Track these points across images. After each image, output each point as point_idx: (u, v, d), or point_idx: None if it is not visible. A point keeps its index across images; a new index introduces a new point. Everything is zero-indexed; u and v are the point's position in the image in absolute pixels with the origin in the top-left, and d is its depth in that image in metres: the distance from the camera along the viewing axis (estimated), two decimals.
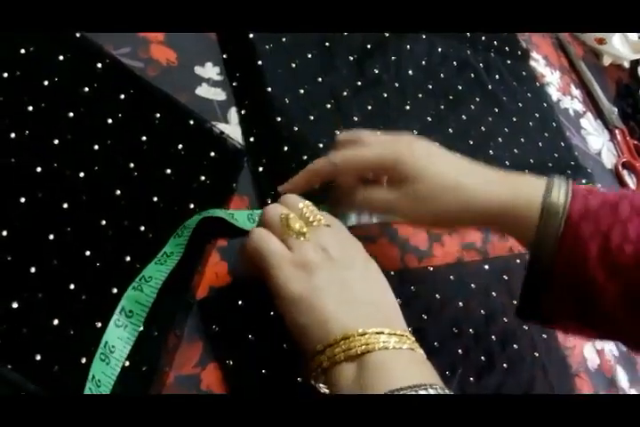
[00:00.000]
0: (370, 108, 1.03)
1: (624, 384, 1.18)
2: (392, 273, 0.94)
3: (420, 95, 1.12)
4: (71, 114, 0.77)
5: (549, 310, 0.81)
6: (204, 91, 0.90)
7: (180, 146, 0.83)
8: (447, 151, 0.86)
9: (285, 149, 0.91)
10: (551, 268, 0.77)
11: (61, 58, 0.79)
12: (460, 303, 0.99)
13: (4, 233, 0.67)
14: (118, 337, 0.69)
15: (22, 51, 0.77)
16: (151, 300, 0.71)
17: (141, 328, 0.71)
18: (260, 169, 0.89)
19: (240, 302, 0.79)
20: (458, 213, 0.83)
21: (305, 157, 0.92)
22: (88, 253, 0.72)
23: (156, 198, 0.79)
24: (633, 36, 1.68)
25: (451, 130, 1.12)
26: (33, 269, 0.68)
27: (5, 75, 0.74)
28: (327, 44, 1.03)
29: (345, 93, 1.02)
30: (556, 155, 1.29)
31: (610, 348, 1.20)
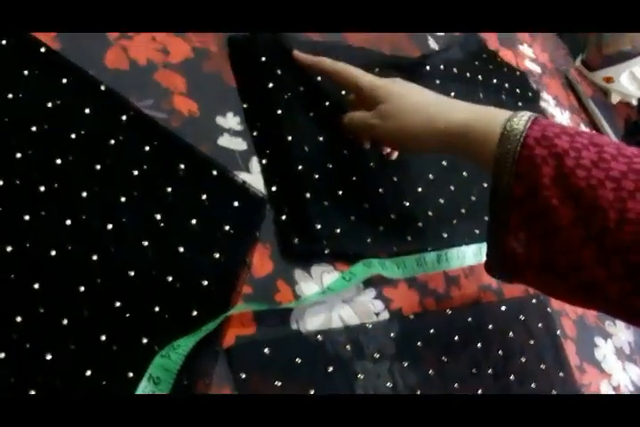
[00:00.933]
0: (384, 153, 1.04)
1: None
2: (411, 316, 0.95)
3: None
4: (98, 166, 0.78)
5: (513, 255, 0.82)
6: (225, 141, 0.91)
7: (204, 196, 0.83)
8: (424, 88, 0.96)
9: (308, 195, 0.91)
10: (510, 193, 0.79)
11: (87, 111, 0.80)
12: (479, 345, 1.00)
13: (36, 286, 0.68)
14: None
15: (49, 104, 0.77)
16: (178, 367, 0.71)
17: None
18: (283, 217, 0.89)
19: (266, 350, 0.80)
20: (421, 130, 0.89)
21: (326, 204, 0.93)
22: (118, 303, 0.72)
23: (182, 248, 0.79)
24: None
25: (465, 173, 1.13)
26: (65, 322, 0.69)
27: (34, 128, 0.75)
28: (343, 92, 1.04)
29: None
30: None
31: (625, 383, 1.20)
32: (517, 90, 1.37)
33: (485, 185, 1.12)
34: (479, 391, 0.96)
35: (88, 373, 0.68)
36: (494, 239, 0.84)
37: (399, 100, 0.91)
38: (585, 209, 0.75)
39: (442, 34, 1.34)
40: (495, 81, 1.33)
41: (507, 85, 1.35)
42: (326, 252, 0.90)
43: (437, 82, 1.20)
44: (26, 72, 0.78)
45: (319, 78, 1.02)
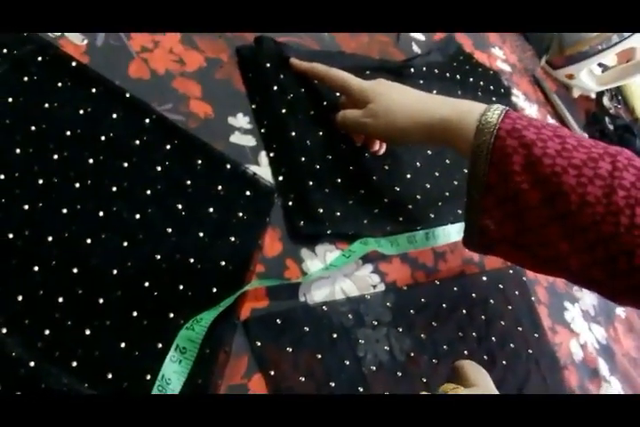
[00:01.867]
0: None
1: (605, 373, 1.17)
2: (404, 288, 0.95)
3: None
4: (125, 164, 0.78)
5: (487, 232, 0.82)
6: (237, 138, 0.90)
7: (220, 187, 0.83)
8: (406, 87, 0.95)
9: (310, 183, 0.91)
10: (485, 179, 0.79)
11: (114, 116, 0.80)
12: (464, 311, 1.00)
13: (75, 270, 0.68)
14: (174, 371, 0.69)
15: (81, 111, 0.77)
16: (201, 337, 0.71)
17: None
18: (290, 203, 0.89)
19: (278, 321, 0.80)
20: (406, 125, 0.89)
21: (326, 190, 0.92)
22: (147, 284, 0.73)
23: (201, 234, 0.79)
24: (597, 70, 1.68)
25: (447, 161, 1.12)
26: (101, 300, 0.69)
27: (68, 133, 0.75)
28: (338, 93, 1.03)
29: None
30: None
31: (592, 341, 1.19)
32: (491, 87, 1.37)
33: (466, 171, 1.11)
34: (465, 352, 0.95)
35: (122, 345, 0.68)
36: (471, 219, 0.84)
37: (386, 99, 0.91)
38: (551, 192, 0.76)
39: (424, 39, 1.33)
40: (471, 80, 1.32)
41: (481, 83, 1.34)
42: (328, 232, 0.90)
43: (421, 82, 1.19)
44: (59, 84, 0.78)
45: (316, 81, 1.01)
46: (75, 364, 0.65)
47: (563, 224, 0.76)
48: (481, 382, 0.76)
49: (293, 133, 0.93)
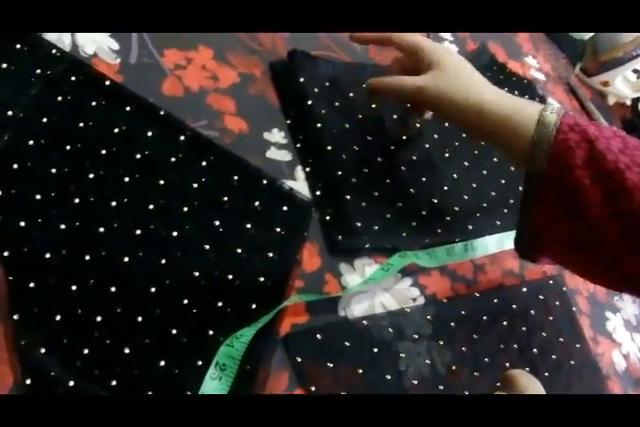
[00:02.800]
0: (414, 158, 1.03)
1: None
2: (444, 300, 0.94)
3: (457, 143, 1.11)
4: (162, 182, 0.78)
5: (541, 230, 0.81)
6: (272, 153, 0.90)
7: (257, 203, 0.83)
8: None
9: (348, 197, 0.91)
10: (544, 173, 0.77)
11: (149, 134, 0.80)
12: (505, 322, 0.98)
13: (113, 289, 0.68)
14: (214, 388, 0.68)
15: (116, 130, 0.77)
16: (241, 354, 0.70)
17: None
18: (327, 218, 0.88)
19: (318, 336, 0.79)
20: (467, 104, 0.85)
21: (364, 204, 0.92)
22: (185, 301, 0.72)
23: (239, 250, 0.79)
24: (632, 77, 1.67)
25: (485, 171, 1.11)
26: (140, 319, 0.68)
27: (104, 152, 0.75)
28: (373, 105, 1.03)
29: (392, 147, 1.01)
30: None
31: (634, 351, 1.18)
32: (526, 96, 1.35)
33: (503, 182, 1.11)
34: (507, 364, 0.94)
35: (162, 363, 0.68)
36: (525, 215, 0.82)
37: (454, 69, 0.88)
38: (613, 189, 0.73)
39: (456, 49, 1.32)
40: (506, 89, 1.29)
41: (516, 92, 1.33)
42: (366, 246, 0.89)
43: None
44: (94, 103, 0.78)
45: (351, 94, 1.01)
46: (114, 382, 0.64)
47: (623, 223, 0.73)
48: (532, 390, 0.75)
49: (329, 148, 0.93)
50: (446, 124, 1.12)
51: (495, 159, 1.15)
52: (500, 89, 0.88)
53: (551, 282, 1.10)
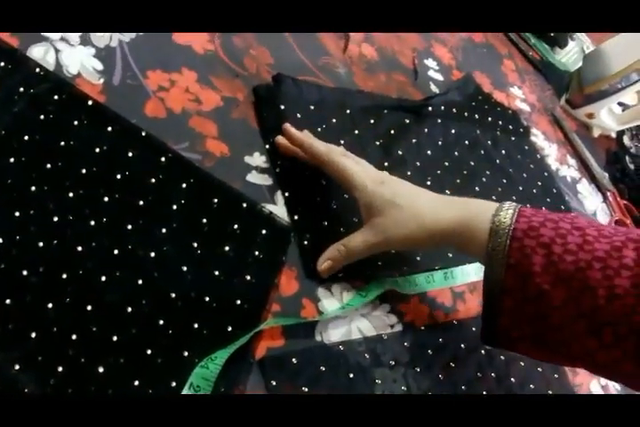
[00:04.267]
0: None
1: None
2: (422, 328, 0.94)
3: (439, 172, 1.13)
4: (141, 202, 0.78)
5: (507, 332, 0.80)
6: (253, 177, 0.91)
7: (236, 226, 0.84)
8: (411, 186, 0.91)
9: (325, 224, 0.92)
10: (502, 283, 0.77)
11: (130, 154, 0.81)
12: (483, 351, 0.99)
13: (89, 307, 0.68)
14: None
15: (97, 150, 0.78)
16: (215, 375, 0.71)
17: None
18: (305, 243, 0.89)
19: (294, 360, 0.79)
20: (419, 236, 0.85)
21: (342, 230, 0.93)
22: (161, 322, 0.73)
23: (217, 272, 0.79)
24: (617, 109, 1.69)
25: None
26: (115, 338, 0.69)
27: (84, 171, 0.76)
28: (356, 131, 1.04)
29: None
30: None
31: (612, 383, 1.18)
32: (510, 126, 1.37)
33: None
34: (484, 393, 0.95)
35: (136, 382, 0.68)
36: (489, 320, 0.82)
37: (393, 211, 0.86)
38: (576, 290, 0.73)
39: (442, 79, 1.34)
40: (490, 119, 1.33)
41: (500, 122, 1.35)
42: (340, 275, 0.90)
43: (439, 121, 1.20)
44: (76, 122, 0.79)
45: (334, 120, 1.02)
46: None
47: (590, 320, 0.73)
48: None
49: (307, 173, 0.94)
50: (429, 151, 1.13)
51: (477, 188, 1.17)
52: (442, 199, 0.89)
53: None
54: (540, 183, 1.34)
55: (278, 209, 0.90)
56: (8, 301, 0.65)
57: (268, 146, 0.96)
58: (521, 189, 1.27)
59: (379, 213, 0.86)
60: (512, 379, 1.00)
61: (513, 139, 1.36)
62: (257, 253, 0.84)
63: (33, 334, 0.64)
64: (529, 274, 0.75)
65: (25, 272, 0.67)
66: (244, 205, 0.86)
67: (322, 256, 0.88)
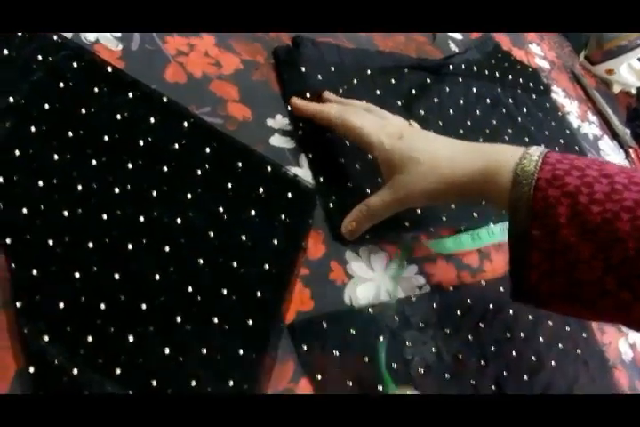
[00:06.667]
0: None
1: None
2: (451, 288, 0.93)
3: (461, 131, 1.11)
4: (165, 168, 0.77)
5: (536, 287, 0.76)
6: (276, 140, 0.89)
7: (261, 190, 0.82)
8: (428, 134, 0.89)
9: (350, 185, 0.91)
10: (528, 235, 0.73)
11: (152, 120, 0.79)
12: (511, 311, 0.98)
13: (117, 276, 0.67)
14: None
15: (118, 117, 0.77)
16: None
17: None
18: (331, 205, 0.88)
19: (324, 323, 0.78)
20: (439, 191, 0.81)
21: (367, 191, 0.91)
22: (190, 288, 0.71)
23: (244, 237, 0.78)
24: (637, 65, 1.66)
25: None
26: (144, 306, 0.68)
27: (106, 138, 0.74)
28: (378, 91, 1.02)
29: None
30: None
31: None
32: (531, 84, 1.35)
33: None
34: (513, 353, 0.93)
35: (167, 351, 0.67)
36: (517, 275, 0.77)
37: (412, 166, 0.82)
38: (604, 242, 0.69)
39: (461, 37, 1.32)
40: (510, 77, 1.30)
41: (521, 81, 1.33)
42: (367, 237, 0.88)
43: (460, 79, 1.18)
44: (96, 89, 0.77)
45: (355, 81, 1.00)
46: (118, 371, 0.63)
47: (621, 273, 0.69)
48: None
49: (329, 135, 0.93)
50: (450, 111, 1.11)
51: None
52: (463, 146, 0.86)
53: None
54: (562, 141, 1.31)
55: (302, 172, 0.89)
56: (34, 271, 0.63)
57: (289, 108, 0.94)
58: (543, 147, 1.25)
59: (398, 170, 0.83)
60: (540, 339, 0.98)
61: (534, 97, 1.33)
62: (283, 216, 0.82)
63: (61, 305, 0.63)
64: (555, 225, 0.71)
65: (50, 242, 0.65)
66: (269, 168, 0.84)
67: (346, 218, 0.86)
